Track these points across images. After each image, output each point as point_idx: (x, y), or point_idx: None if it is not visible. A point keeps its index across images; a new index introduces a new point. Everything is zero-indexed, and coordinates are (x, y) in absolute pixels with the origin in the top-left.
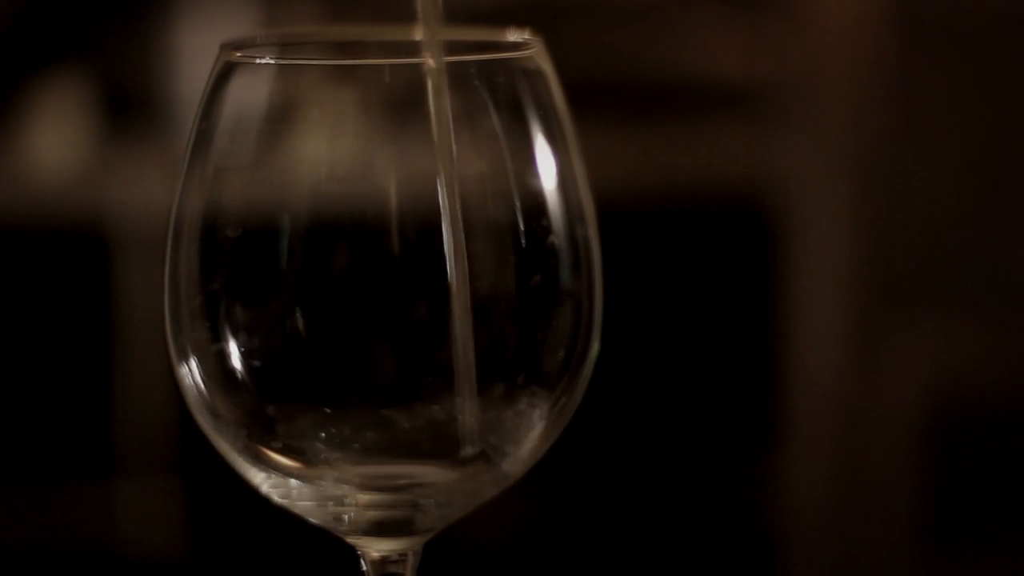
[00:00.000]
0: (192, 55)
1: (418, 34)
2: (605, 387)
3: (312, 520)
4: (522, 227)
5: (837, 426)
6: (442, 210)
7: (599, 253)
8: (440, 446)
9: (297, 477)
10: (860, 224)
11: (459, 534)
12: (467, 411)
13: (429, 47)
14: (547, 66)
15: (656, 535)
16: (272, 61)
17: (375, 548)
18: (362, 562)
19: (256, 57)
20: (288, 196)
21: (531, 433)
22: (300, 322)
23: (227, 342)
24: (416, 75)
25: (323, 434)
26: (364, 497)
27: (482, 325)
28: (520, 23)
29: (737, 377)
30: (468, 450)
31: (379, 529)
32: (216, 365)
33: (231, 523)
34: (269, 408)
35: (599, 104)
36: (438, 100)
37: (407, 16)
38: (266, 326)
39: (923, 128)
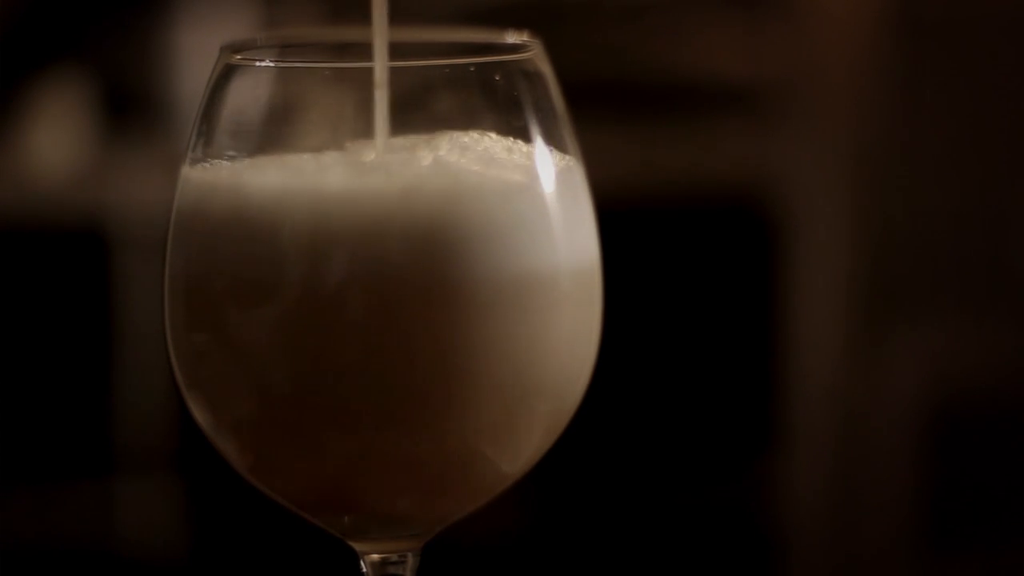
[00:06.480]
0: (192, 55)
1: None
2: (605, 387)
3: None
4: None
5: (837, 426)
6: None
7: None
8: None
9: None
10: (860, 224)
11: (459, 534)
12: None
13: (379, 49)
14: (546, 68)
15: (656, 535)
16: (271, 64)
17: (375, 549)
18: (362, 563)
19: (256, 60)
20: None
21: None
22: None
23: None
24: (416, 76)
25: None
26: None
27: None
28: (519, 23)
29: (736, 377)
30: None
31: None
32: None
33: (231, 523)
34: None
35: (599, 104)
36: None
37: (407, 17)
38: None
39: (923, 128)
